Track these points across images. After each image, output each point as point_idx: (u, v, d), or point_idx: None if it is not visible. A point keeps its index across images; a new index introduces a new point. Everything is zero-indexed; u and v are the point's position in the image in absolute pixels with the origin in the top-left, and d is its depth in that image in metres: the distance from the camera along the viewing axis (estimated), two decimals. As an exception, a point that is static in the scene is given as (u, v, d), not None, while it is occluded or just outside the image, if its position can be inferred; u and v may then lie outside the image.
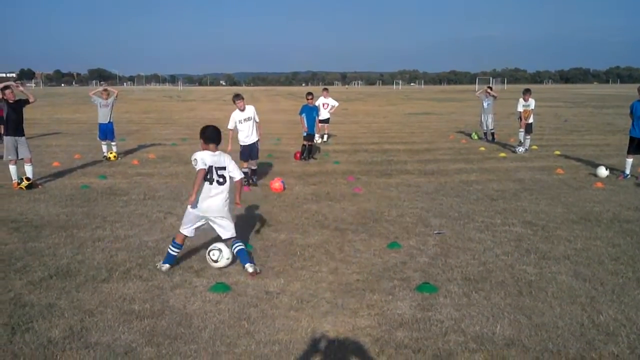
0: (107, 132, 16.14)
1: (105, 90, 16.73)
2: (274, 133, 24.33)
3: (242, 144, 12.19)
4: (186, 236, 6.83)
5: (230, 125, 12.09)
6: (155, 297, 5.98)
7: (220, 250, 6.84)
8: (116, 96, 16.80)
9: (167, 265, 6.79)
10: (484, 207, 10.15)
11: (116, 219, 9.24)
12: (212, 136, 6.69)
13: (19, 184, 11.57)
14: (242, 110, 12.12)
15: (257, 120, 12.38)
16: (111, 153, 16.07)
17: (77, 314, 5.53)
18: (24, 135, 11.94)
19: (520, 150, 17.81)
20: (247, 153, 12.28)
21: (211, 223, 6.78)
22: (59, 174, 13.59)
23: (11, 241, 7.97)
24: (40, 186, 11.89)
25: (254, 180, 12.38)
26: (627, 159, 13.11)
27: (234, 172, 6.78)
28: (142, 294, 6.06)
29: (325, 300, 5.92)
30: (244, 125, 12.12)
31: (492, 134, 21.32)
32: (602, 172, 13.21)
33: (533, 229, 8.70)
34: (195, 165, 6.51)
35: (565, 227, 8.81)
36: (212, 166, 6.56)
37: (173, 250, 6.81)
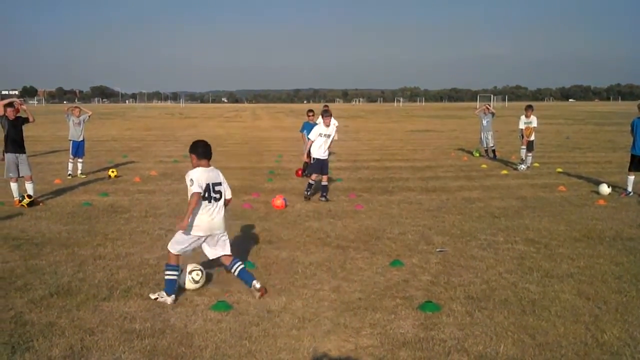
0: (78, 149, 16.48)
1: (77, 107, 17.32)
2: (275, 150, 24.40)
3: (316, 157, 12.41)
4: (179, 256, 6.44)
5: (312, 136, 12.41)
6: (156, 315, 5.94)
7: (202, 270, 6.75)
8: (89, 116, 17.34)
9: (172, 297, 6.26)
10: (486, 225, 10.12)
11: (117, 237, 9.21)
12: (206, 151, 6.45)
13: (20, 201, 11.54)
14: (327, 126, 12.49)
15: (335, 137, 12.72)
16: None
17: (78, 333, 5.49)
18: (25, 152, 11.94)
19: (522, 167, 17.78)
20: (319, 167, 12.47)
21: (210, 241, 6.52)
22: (61, 192, 13.59)
23: (12, 259, 7.94)
24: (41, 204, 11.88)
25: (326, 196, 12.57)
26: (629, 177, 13.10)
27: (227, 190, 6.57)
28: (143, 312, 6.03)
29: (327, 319, 5.88)
30: (322, 139, 12.41)
31: (493, 151, 21.33)
32: (605, 189, 13.18)
33: (536, 246, 8.66)
34: (191, 186, 6.18)
35: (568, 244, 8.78)
36: (208, 184, 6.33)
37: (172, 275, 6.33)
